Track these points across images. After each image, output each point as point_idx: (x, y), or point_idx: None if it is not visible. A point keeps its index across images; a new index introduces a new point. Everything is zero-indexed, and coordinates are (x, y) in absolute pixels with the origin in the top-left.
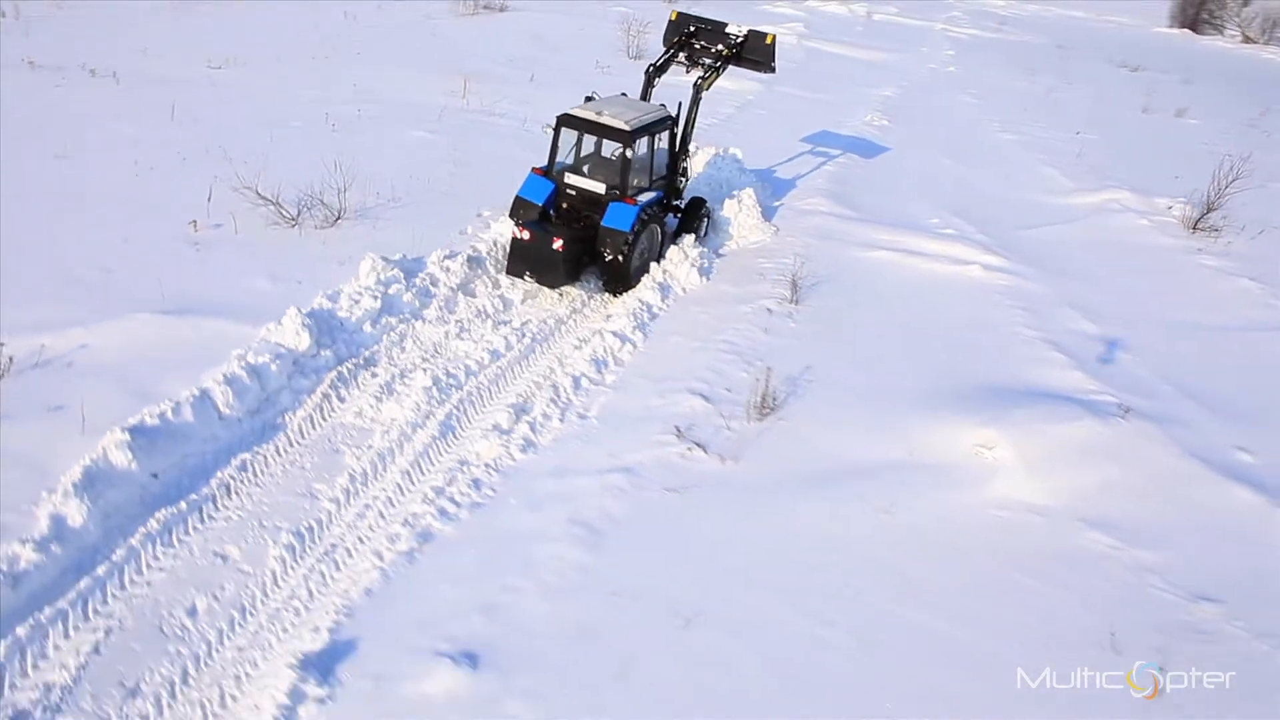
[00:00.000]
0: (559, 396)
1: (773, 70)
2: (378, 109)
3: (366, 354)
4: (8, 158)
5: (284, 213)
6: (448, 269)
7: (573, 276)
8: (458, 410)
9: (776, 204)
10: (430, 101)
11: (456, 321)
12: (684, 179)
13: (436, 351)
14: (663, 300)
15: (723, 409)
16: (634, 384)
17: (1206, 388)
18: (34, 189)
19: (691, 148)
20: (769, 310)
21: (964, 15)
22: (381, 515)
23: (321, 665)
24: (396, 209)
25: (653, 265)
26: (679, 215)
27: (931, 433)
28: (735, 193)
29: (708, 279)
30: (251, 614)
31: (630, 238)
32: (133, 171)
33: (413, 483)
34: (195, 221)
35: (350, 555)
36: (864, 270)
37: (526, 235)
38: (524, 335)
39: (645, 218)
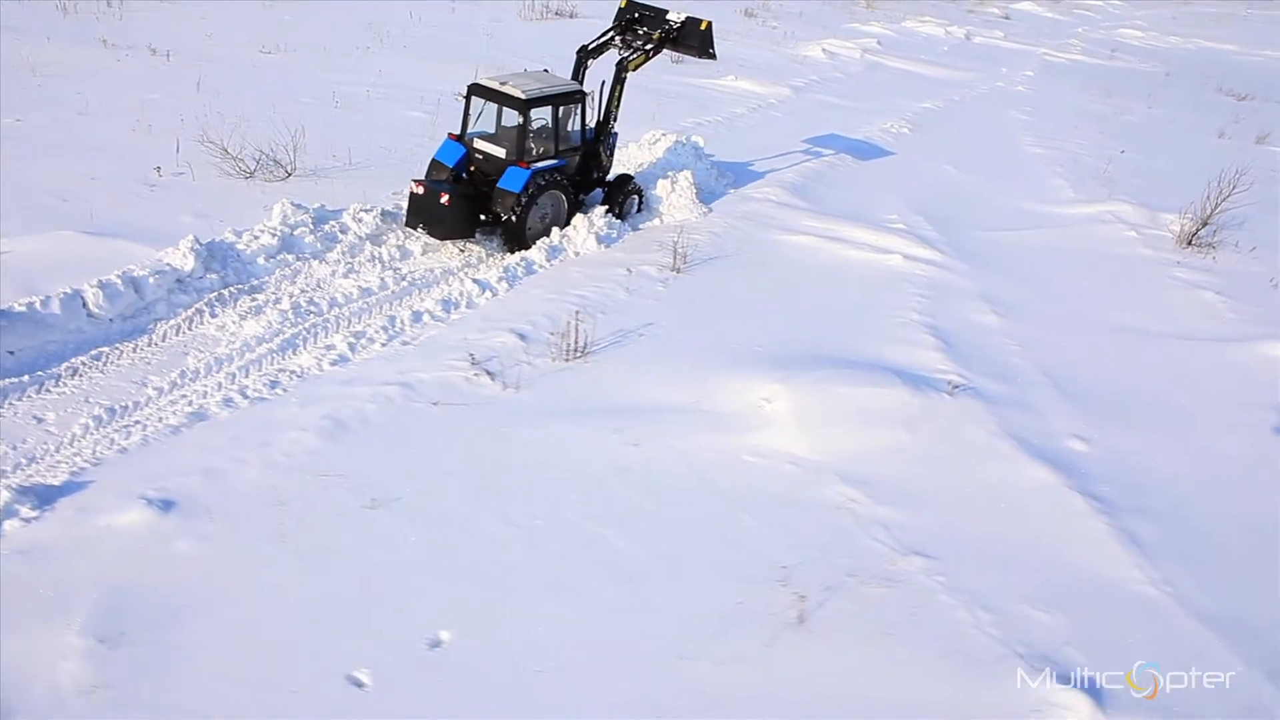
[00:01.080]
0: (393, 326)
1: (712, 56)
2: (388, 92)
3: (255, 282)
4: (37, 110)
5: (241, 166)
6: (360, 219)
7: (460, 231)
8: (306, 333)
9: (730, 191)
10: (441, 89)
11: (348, 264)
12: (609, 154)
13: (318, 286)
14: (548, 260)
15: (533, 348)
16: (469, 323)
17: (1088, 384)
18: (43, 136)
19: (656, 135)
20: (645, 273)
21: (1081, 43)
22: (187, 402)
23: (46, 495)
24: (349, 171)
25: (555, 230)
26: (605, 190)
27: (727, 385)
28: (670, 173)
29: (606, 246)
30: (35, 462)
31: (522, 199)
32: (133, 128)
33: (231, 382)
34: (159, 168)
35: (139, 428)
36: (773, 251)
37: (420, 190)
38: (403, 279)
39: (542, 183)
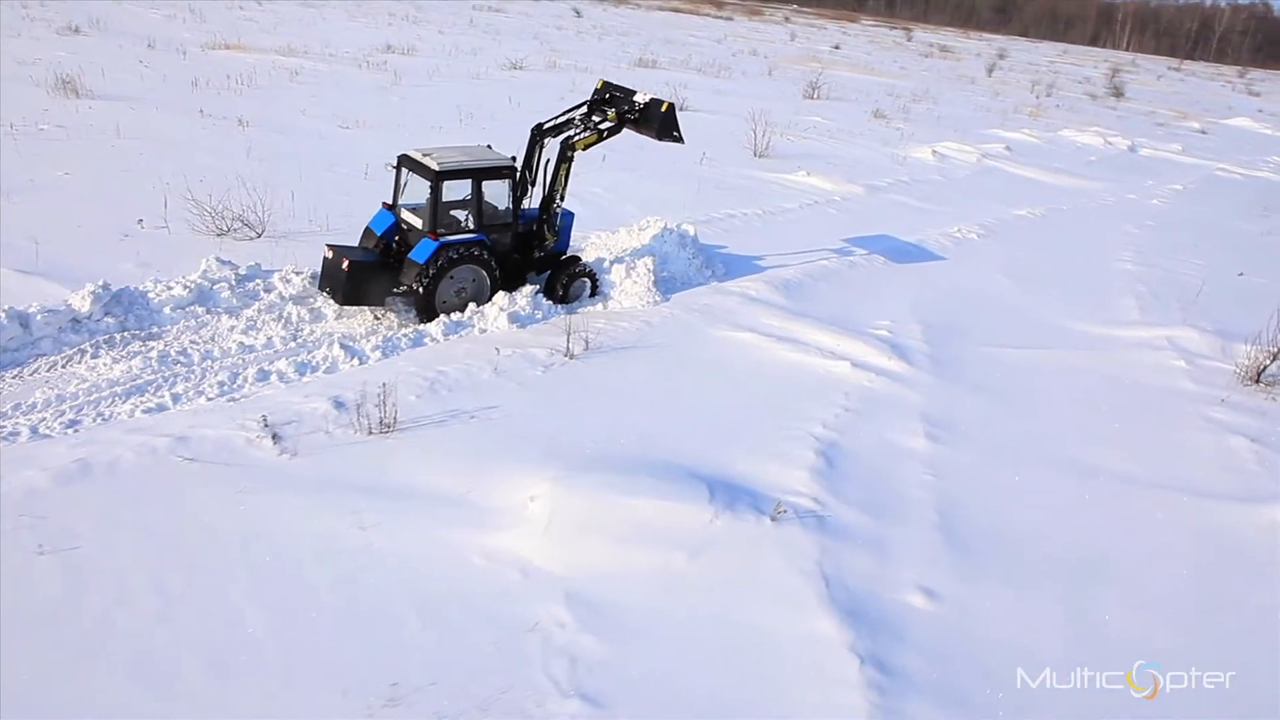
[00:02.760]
0: (232, 383)
1: (675, 139)
2: None
3: (154, 330)
4: (90, 166)
5: (217, 225)
6: (289, 280)
7: (363, 298)
8: (162, 381)
9: (711, 282)
10: None
11: (252, 322)
12: (554, 233)
13: (211, 339)
14: (444, 335)
15: (344, 417)
16: (310, 386)
17: (995, 530)
18: (76, 187)
19: (648, 221)
20: (532, 356)
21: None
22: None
23: None
24: (322, 235)
25: (472, 305)
26: (550, 270)
27: (511, 478)
28: (629, 259)
29: (520, 326)
30: None
31: (428, 270)
32: (160, 186)
33: (44, 420)
34: (141, 220)
35: None
36: (704, 346)
37: (329, 255)
38: (293, 341)
39: (454, 256)
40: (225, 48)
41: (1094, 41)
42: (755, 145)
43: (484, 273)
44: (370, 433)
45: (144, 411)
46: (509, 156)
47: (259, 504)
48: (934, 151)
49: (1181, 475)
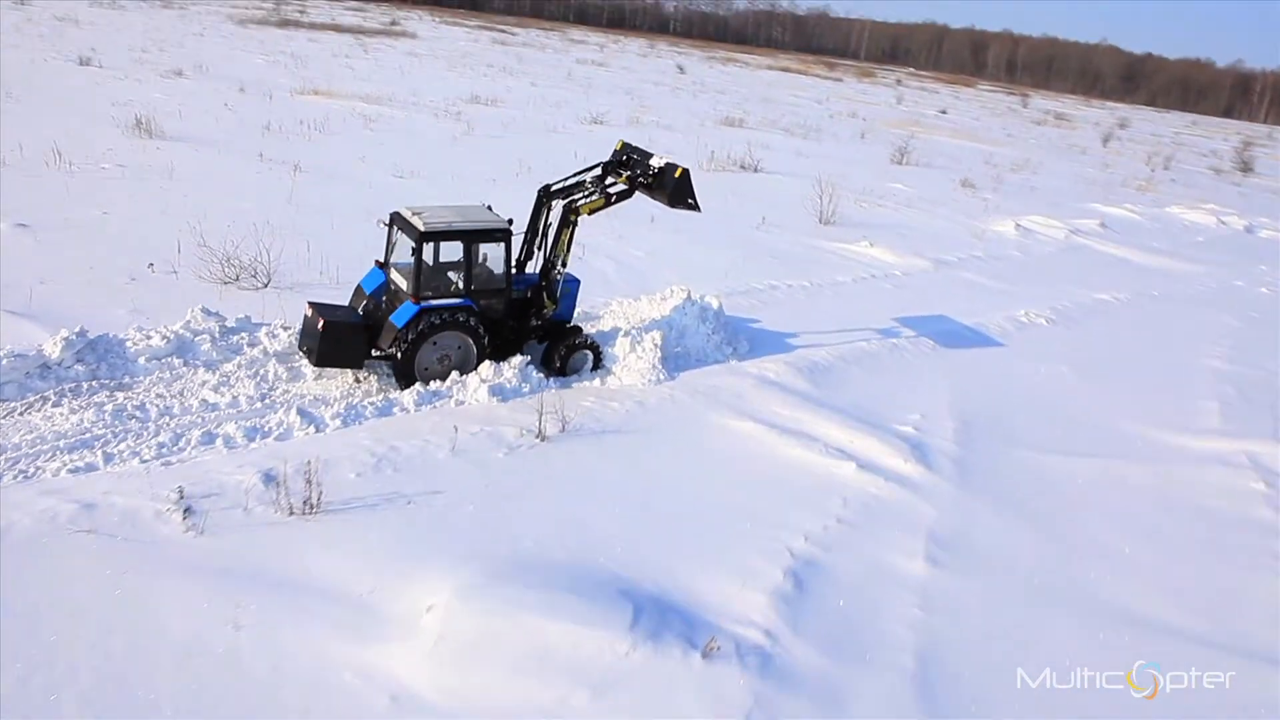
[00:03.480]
0: (174, 444)
1: (690, 207)
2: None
3: (125, 380)
4: (130, 205)
5: (226, 272)
6: (275, 336)
7: (338, 360)
8: (112, 436)
9: (729, 360)
10: None
11: (227, 377)
12: (555, 300)
13: (180, 394)
14: (417, 405)
15: (269, 493)
16: (248, 454)
17: (983, 682)
18: (107, 226)
19: (671, 290)
20: (499, 436)
21: None
22: None
23: None
24: (328, 287)
25: (456, 374)
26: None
27: (422, 578)
28: (637, 332)
29: (500, 400)
30: None
31: (407, 335)
32: (187, 229)
33: None
34: (152, 264)
35: None
36: (696, 435)
37: (309, 313)
38: (261, 401)
39: (436, 321)
40: (314, 93)
41: (1228, 113)
42: (821, 211)
43: (470, 340)
44: (291, 513)
45: (70, 471)
46: (505, 219)
47: (137, 589)
48: (1017, 225)
49: (1241, 634)
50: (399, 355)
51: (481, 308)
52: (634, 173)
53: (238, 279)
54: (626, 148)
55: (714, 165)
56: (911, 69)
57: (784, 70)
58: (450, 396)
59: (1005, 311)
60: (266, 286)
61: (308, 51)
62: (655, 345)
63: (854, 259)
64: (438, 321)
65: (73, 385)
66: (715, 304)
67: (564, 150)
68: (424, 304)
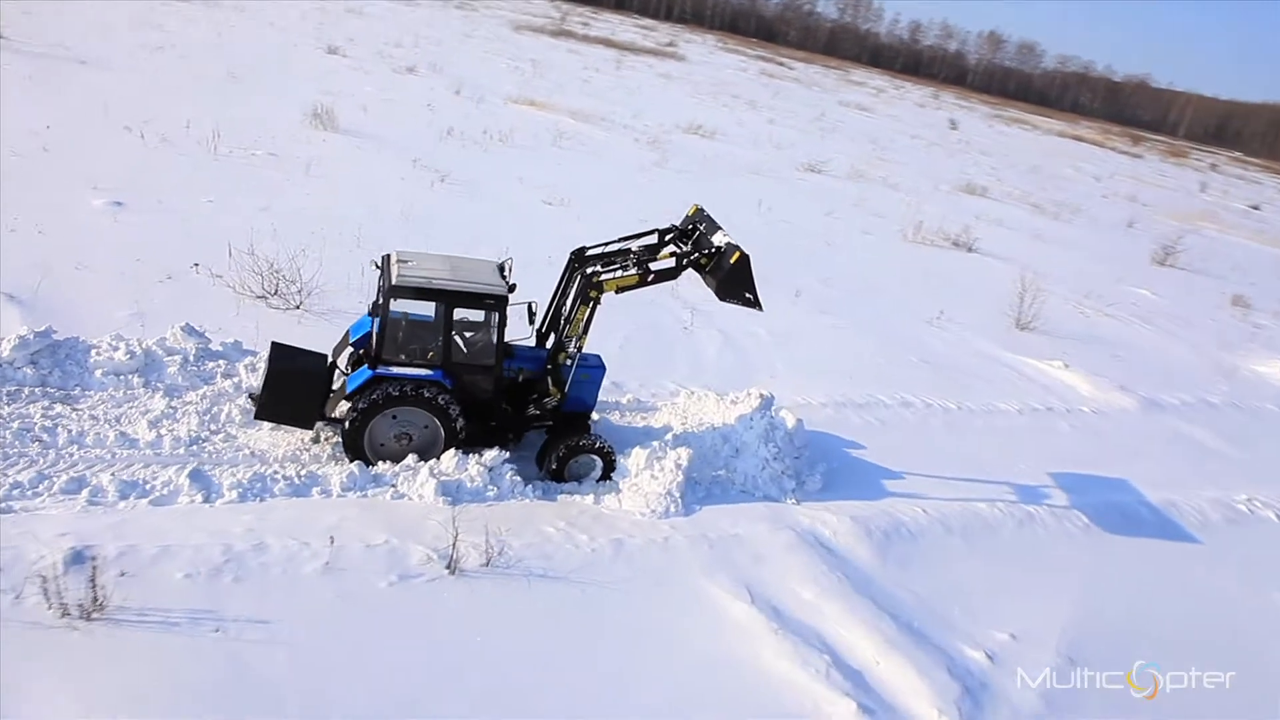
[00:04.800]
0: (29, 488)
1: (747, 303)
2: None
3: (74, 392)
4: (240, 191)
5: (262, 287)
6: (255, 370)
7: (278, 414)
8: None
9: (784, 501)
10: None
11: (176, 408)
12: (562, 387)
13: (117, 420)
14: (343, 489)
15: (59, 583)
16: (95, 518)
17: None
18: (189, 210)
19: (749, 393)
20: (399, 556)
21: None
22: None
23: None
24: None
25: (412, 459)
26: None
27: None
28: (662, 446)
29: (450, 501)
30: None
31: (359, 404)
32: (257, 229)
33: None
34: (196, 265)
35: None
36: (655, 608)
37: (269, 352)
38: (189, 446)
39: (394, 393)
40: (528, 104)
41: None
42: (1019, 313)
43: (438, 421)
44: (65, 614)
45: None
46: (507, 284)
47: None
48: None
49: None
50: (346, 425)
51: (461, 384)
52: (689, 249)
53: (275, 292)
54: (699, 215)
55: (918, 237)
56: (1239, 154)
57: (1076, 139)
58: (392, 485)
59: (1221, 491)
60: (298, 308)
61: (558, 62)
62: (677, 466)
63: (1035, 381)
64: (396, 393)
65: (13, 389)
66: (790, 423)
67: (753, 196)
68: (382, 370)
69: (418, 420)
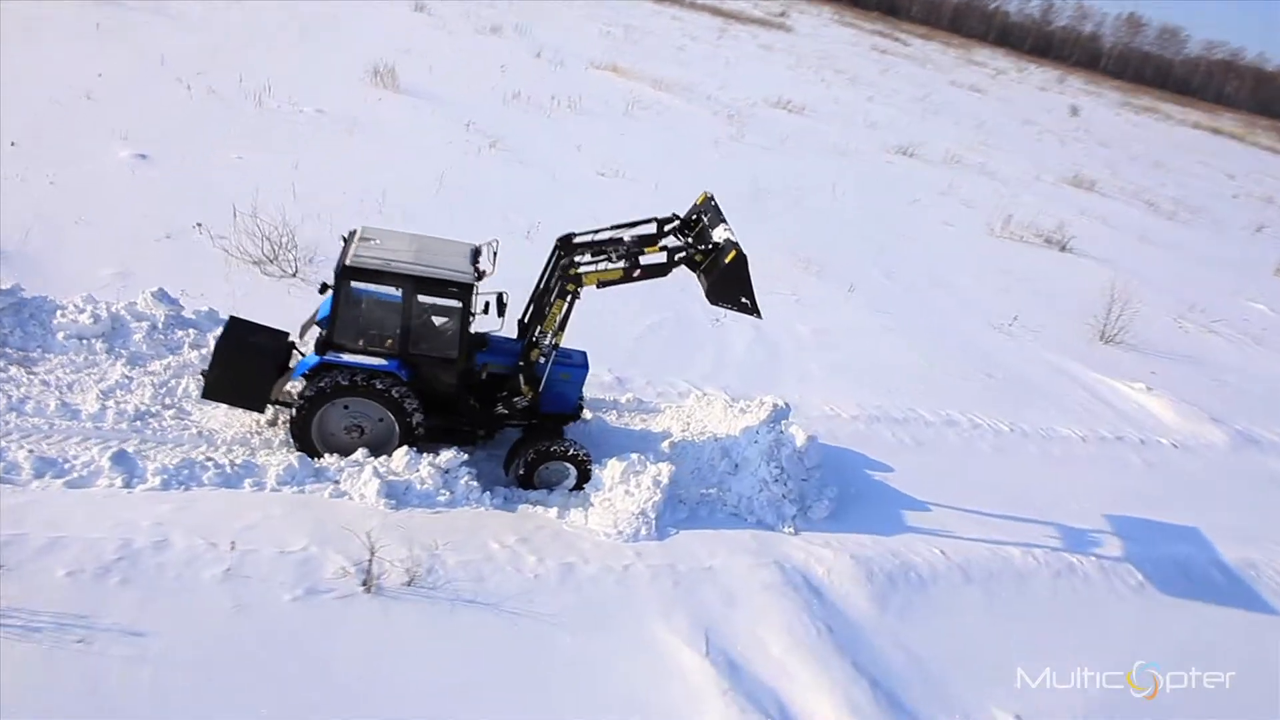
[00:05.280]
0: None
1: (742, 308)
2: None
3: (32, 354)
4: (273, 150)
5: (261, 253)
6: None
7: (224, 393)
8: None
9: (784, 527)
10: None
11: (133, 379)
12: (537, 385)
13: (68, 387)
14: (279, 482)
15: None
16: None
17: None
18: (219, 168)
19: (756, 403)
20: (308, 563)
21: None
22: None
23: None
24: None
25: (363, 453)
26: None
27: None
28: (641, 460)
29: (391, 505)
30: None
31: (306, 392)
32: (294, 190)
33: None
34: (200, 225)
35: None
36: (602, 651)
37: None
38: (128, 422)
39: (343, 382)
40: (610, 69)
41: None
42: (1104, 325)
43: (391, 415)
44: None
45: None
46: (475, 270)
47: None
48: None
49: None
50: (294, 413)
51: (421, 377)
52: (683, 243)
53: (274, 259)
54: (706, 204)
55: (1006, 231)
56: None
57: (1213, 131)
58: (335, 481)
59: None
60: (294, 276)
61: (657, 28)
62: (656, 484)
63: (1110, 404)
64: (346, 382)
65: None
66: (800, 440)
67: (829, 178)
68: (331, 356)
69: (371, 412)
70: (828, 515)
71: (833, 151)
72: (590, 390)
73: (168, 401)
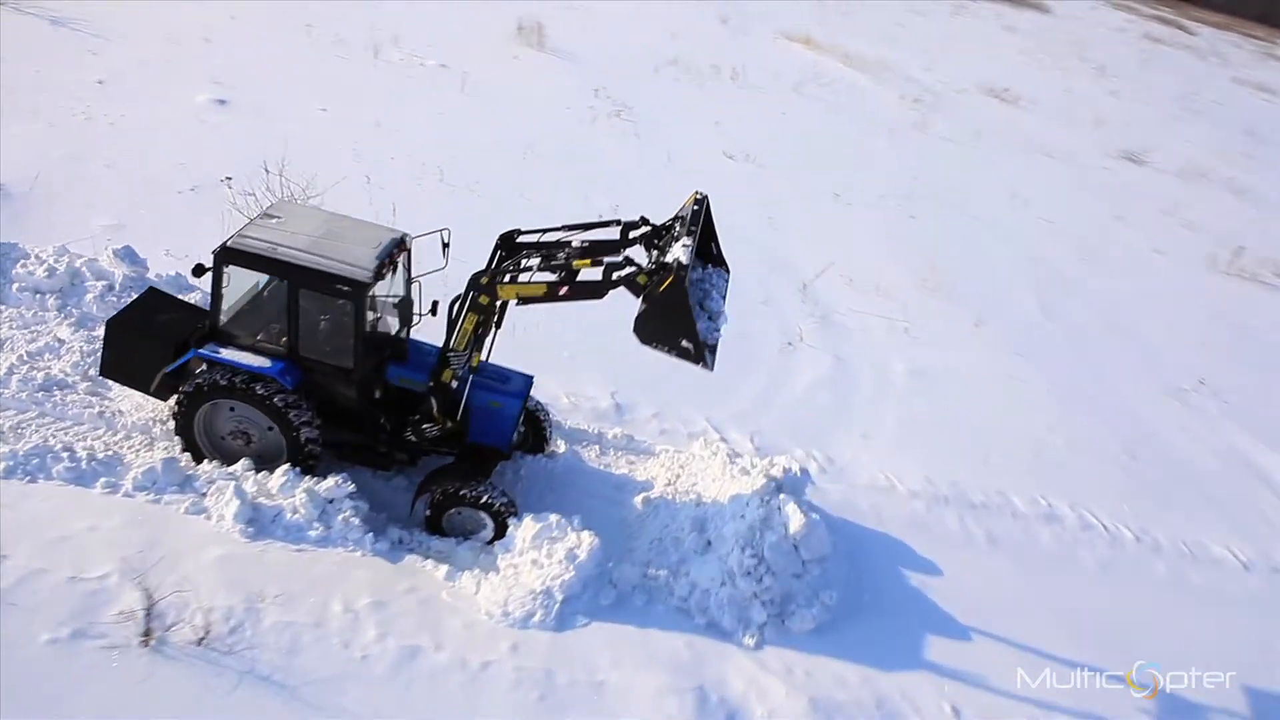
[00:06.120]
0: None
1: (674, 350)
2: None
3: None
4: (364, 102)
5: None
6: None
7: (119, 372)
8: None
9: (744, 635)
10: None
11: (65, 343)
12: (450, 409)
13: None
14: (135, 487)
15: None
16: None
17: None
18: (296, 118)
19: (771, 462)
20: (85, 606)
21: None
22: None
23: None
24: None
25: (245, 463)
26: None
27: None
28: (562, 524)
29: (247, 536)
30: None
31: (183, 386)
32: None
33: None
34: (229, 178)
35: None
36: None
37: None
38: (30, 393)
39: (223, 382)
40: (804, 41)
41: None
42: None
43: (276, 424)
44: None
45: None
46: (375, 268)
47: None
48: None
49: None
50: (176, 411)
51: (317, 385)
52: (623, 259)
53: None
54: (692, 209)
55: (1234, 267)
56: None
57: None
58: (202, 493)
59: None
60: None
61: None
62: (570, 559)
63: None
64: (224, 383)
65: None
66: (794, 525)
67: (1006, 183)
68: (207, 351)
69: (260, 420)
70: (813, 628)
71: (1036, 150)
72: (577, 417)
73: (91, 374)
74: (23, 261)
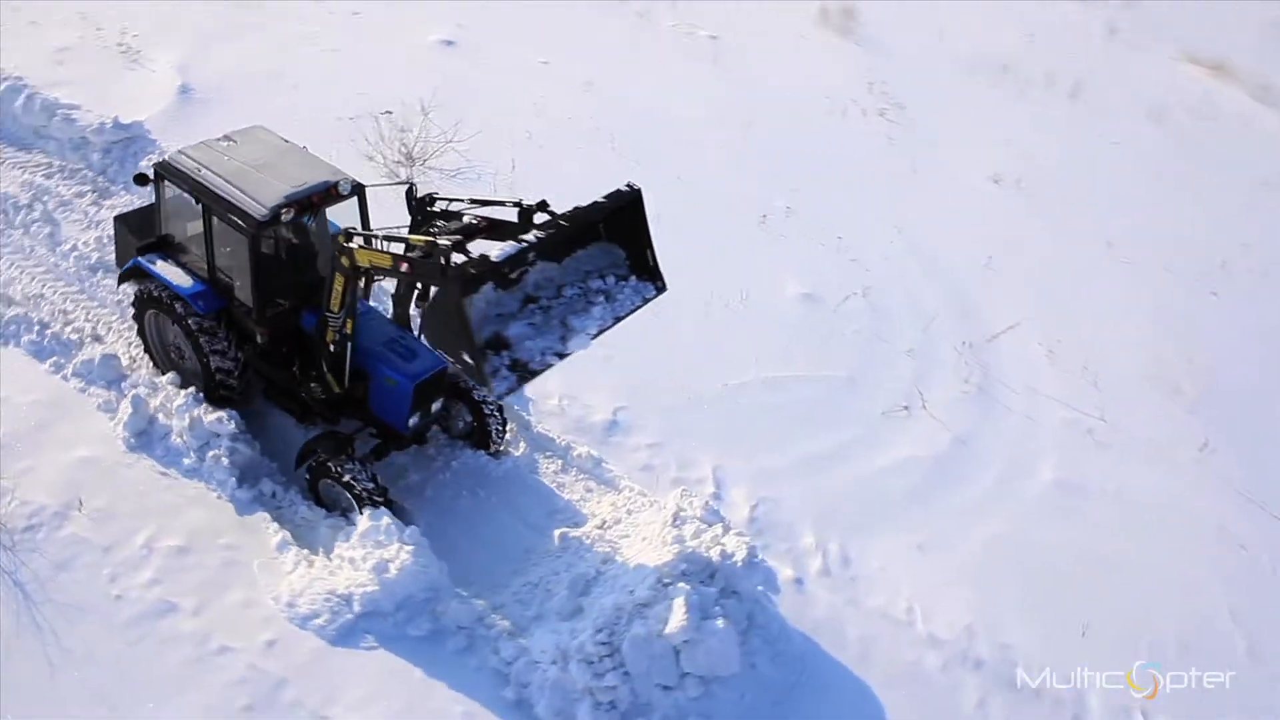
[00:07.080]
0: None
1: (471, 372)
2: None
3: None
4: (593, 64)
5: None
6: None
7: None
8: None
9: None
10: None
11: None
12: (335, 380)
13: None
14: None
15: None
16: None
17: None
18: (502, 71)
19: (683, 512)
20: None
21: None
22: None
23: None
24: None
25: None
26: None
27: None
28: (396, 532)
29: (127, 443)
30: None
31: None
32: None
33: None
34: (390, 111)
35: None
36: None
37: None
38: (81, 268)
39: (156, 296)
40: (1212, 67)
41: None
42: None
43: (190, 347)
44: None
45: None
46: (277, 203)
47: None
48: None
49: None
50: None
51: (234, 319)
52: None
53: (410, 165)
54: (607, 198)
55: None
56: None
57: None
58: (122, 395)
59: None
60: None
61: None
62: (378, 570)
63: None
64: (156, 294)
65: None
66: (672, 623)
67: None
68: (145, 261)
69: (193, 340)
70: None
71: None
72: (553, 423)
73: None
74: (149, 154)
